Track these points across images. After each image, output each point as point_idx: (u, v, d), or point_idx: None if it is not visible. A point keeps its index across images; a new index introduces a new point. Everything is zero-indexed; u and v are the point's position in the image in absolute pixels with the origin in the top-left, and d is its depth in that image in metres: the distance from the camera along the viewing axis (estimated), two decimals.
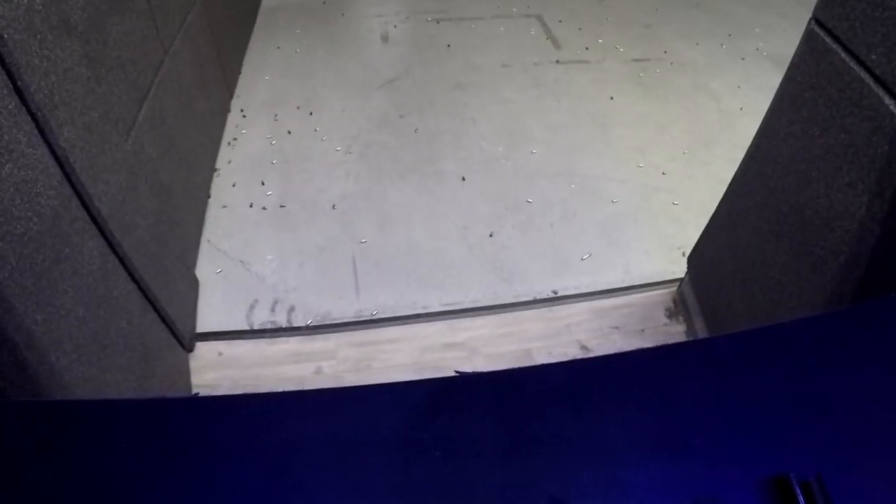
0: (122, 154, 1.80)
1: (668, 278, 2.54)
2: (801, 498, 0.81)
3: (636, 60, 3.86)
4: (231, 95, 3.48)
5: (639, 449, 0.92)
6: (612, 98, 3.53)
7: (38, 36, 1.39)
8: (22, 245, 1.26)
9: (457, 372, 1.04)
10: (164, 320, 1.99)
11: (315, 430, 0.96)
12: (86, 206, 1.54)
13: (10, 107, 1.27)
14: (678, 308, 2.43)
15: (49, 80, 1.41)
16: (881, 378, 0.98)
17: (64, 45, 1.50)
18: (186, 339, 2.18)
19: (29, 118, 1.34)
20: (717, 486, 0.87)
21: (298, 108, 3.43)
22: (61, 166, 1.45)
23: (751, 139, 1.90)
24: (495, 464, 0.92)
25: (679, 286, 2.47)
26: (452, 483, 0.90)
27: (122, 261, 1.72)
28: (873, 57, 1.35)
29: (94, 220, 1.58)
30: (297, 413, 0.99)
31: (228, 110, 3.37)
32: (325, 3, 4.55)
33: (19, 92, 1.30)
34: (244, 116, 3.36)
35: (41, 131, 1.38)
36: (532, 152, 3.15)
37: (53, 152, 1.42)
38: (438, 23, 4.26)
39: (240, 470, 0.91)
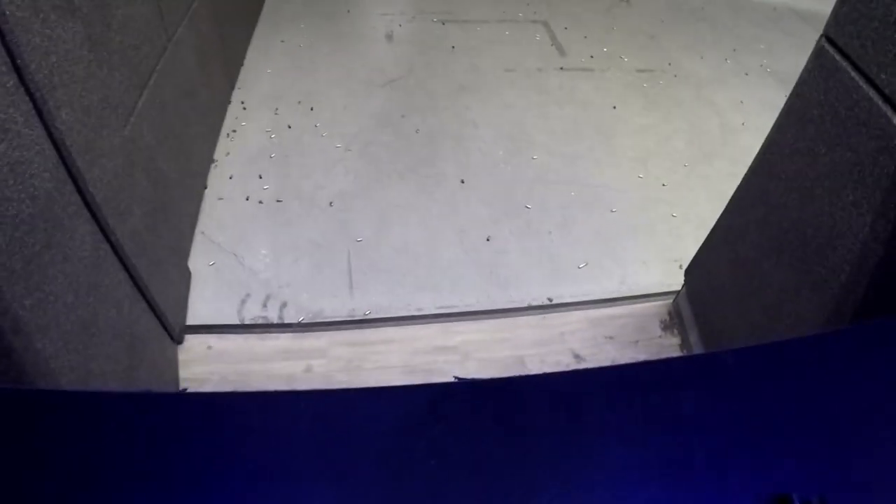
0: (120, 140, 1.77)
1: (664, 290, 2.53)
2: None
3: (640, 71, 3.85)
4: (233, 87, 3.45)
5: (638, 466, 0.91)
6: (614, 107, 3.52)
7: (41, 14, 1.36)
8: (13, 227, 1.23)
9: (455, 378, 1.02)
10: (154, 311, 1.97)
11: (305, 432, 0.94)
12: (80, 191, 1.52)
13: (8, 85, 1.24)
14: (673, 321, 2.42)
15: (49, 60, 1.38)
16: (886, 399, 0.96)
17: (66, 25, 1.48)
18: (176, 330, 2.15)
19: (27, 98, 1.31)
20: None
21: (300, 102, 3.41)
22: (57, 149, 1.42)
23: (751, 154, 1.90)
24: (491, 476, 0.89)
25: (675, 299, 2.45)
26: (447, 494, 0.88)
27: (115, 248, 1.69)
28: (883, 76, 1.34)
29: (87, 205, 1.55)
30: (287, 414, 0.96)
31: (229, 101, 3.35)
32: None
33: (18, 70, 1.28)
34: (245, 108, 3.34)
35: (39, 112, 1.35)
36: (533, 158, 3.13)
37: (50, 134, 1.39)
38: (444, 24, 4.24)
39: (224, 472, 0.89)
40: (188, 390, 1.05)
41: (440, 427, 0.94)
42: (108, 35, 1.77)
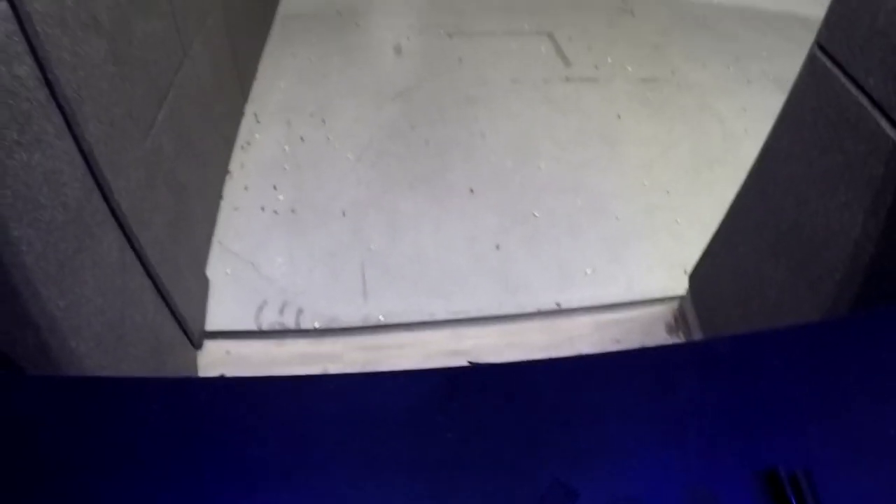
0: (143, 152, 1.85)
1: (669, 294, 2.58)
2: (789, 490, 0.85)
3: (644, 80, 3.90)
4: (246, 99, 3.53)
5: (638, 439, 0.97)
6: (619, 116, 3.57)
7: (69, 31, 1.44)
8: (47, 233, 1.31)
9: (469, 363, 1.09)
10: (175, 316, 2.04)
11: (332, 411, 1.01)
12: (107, 200, 1.59)
13: (40, 98, 1.32)
14: (678, 324, 2.47)
15: (77, 75, 1.46)
16: (875, 382, 1.03)
17: (92, 41, 1.56)
18: (196, 336, 2.22)
19: (58, 111, 1.39)
20: (711, 478, 0.91)
21: (312, 114, 3.48)
22: (86, 159, 1.50)
23: (753, 161, 1.95)
24: (504, 447, 0.97)
25: (680, 302, 2.51)
26: (463, 462, 0.95)
27: (139, 255, 1.77)
28: (871, 81, 1.40)
29: (114, 213, 1.63)
30: (314, 396, 1.03)
31: (243, 114, 3.42)
32: (340, 14, 4.59)
33: (49, 84, 1.35)
34: (258, 121, 3.41)
35: (68, 124, 1.43)
36: (540, 167, 3.19)
37: (79, 145, 1.47)
38: (451, 37, 4.31)
39: (255, 449, 0.95)
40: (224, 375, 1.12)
41: (457, 405, 1.01)
42: (130, 51, 1.84)
